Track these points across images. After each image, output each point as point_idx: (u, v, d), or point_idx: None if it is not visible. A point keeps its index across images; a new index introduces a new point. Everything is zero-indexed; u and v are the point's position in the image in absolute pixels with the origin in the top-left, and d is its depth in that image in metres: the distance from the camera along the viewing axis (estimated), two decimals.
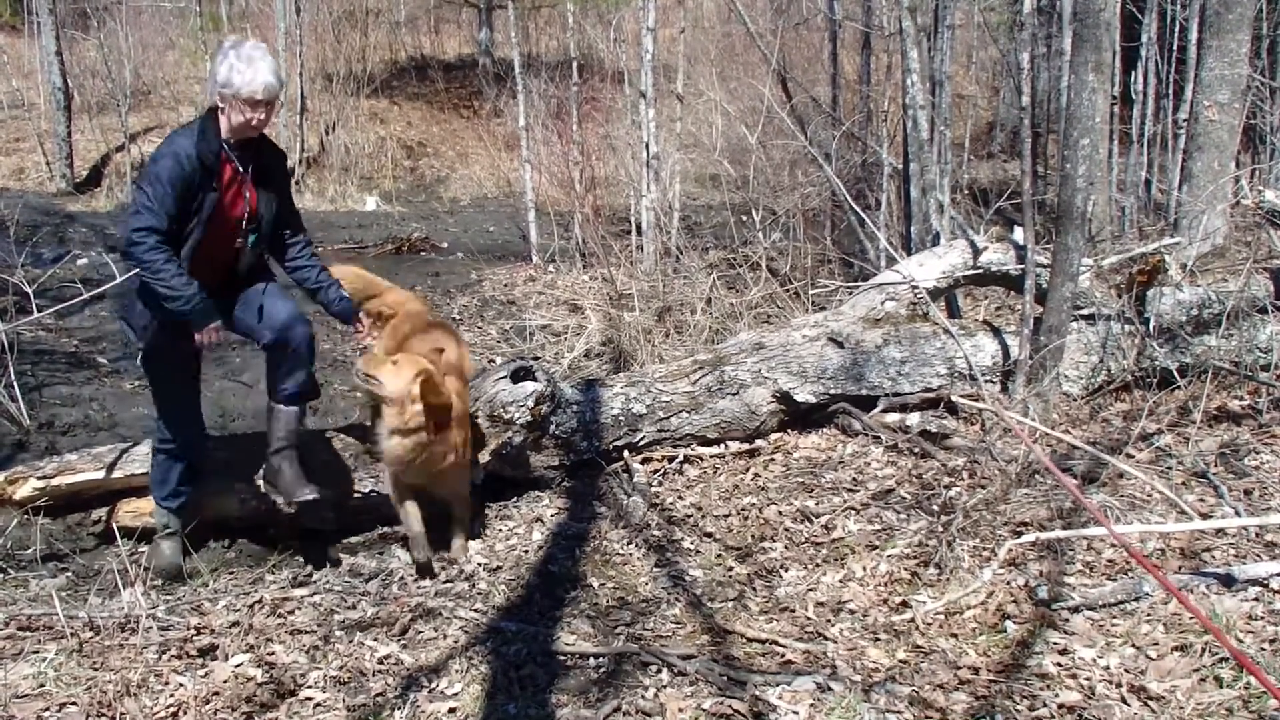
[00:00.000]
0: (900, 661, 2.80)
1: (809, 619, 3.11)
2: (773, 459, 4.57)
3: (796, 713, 2.54)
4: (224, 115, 3.34)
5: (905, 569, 3.33)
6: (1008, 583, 3.12)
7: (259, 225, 3.57)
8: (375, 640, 3.07)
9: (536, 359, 6.32)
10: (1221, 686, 2.49)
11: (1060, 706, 2.49)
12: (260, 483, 3.82)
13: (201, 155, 3.29)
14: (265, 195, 3.55)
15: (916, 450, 4.32)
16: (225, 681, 2.78)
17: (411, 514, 3.68)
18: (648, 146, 8.73)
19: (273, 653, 2.96)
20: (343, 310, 3.81)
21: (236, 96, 3.27)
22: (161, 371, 3.61)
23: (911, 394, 4.70)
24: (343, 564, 3.83)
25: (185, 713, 2.63)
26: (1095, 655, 2.69)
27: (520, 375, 4.27)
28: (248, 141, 3.43)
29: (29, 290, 5.30)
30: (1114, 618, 2.88)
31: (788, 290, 6.79)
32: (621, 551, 3.78)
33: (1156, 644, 2.71)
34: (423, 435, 3.51)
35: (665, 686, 2.71)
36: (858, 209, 6.96)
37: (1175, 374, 4.49)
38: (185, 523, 3.75)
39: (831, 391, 4.70)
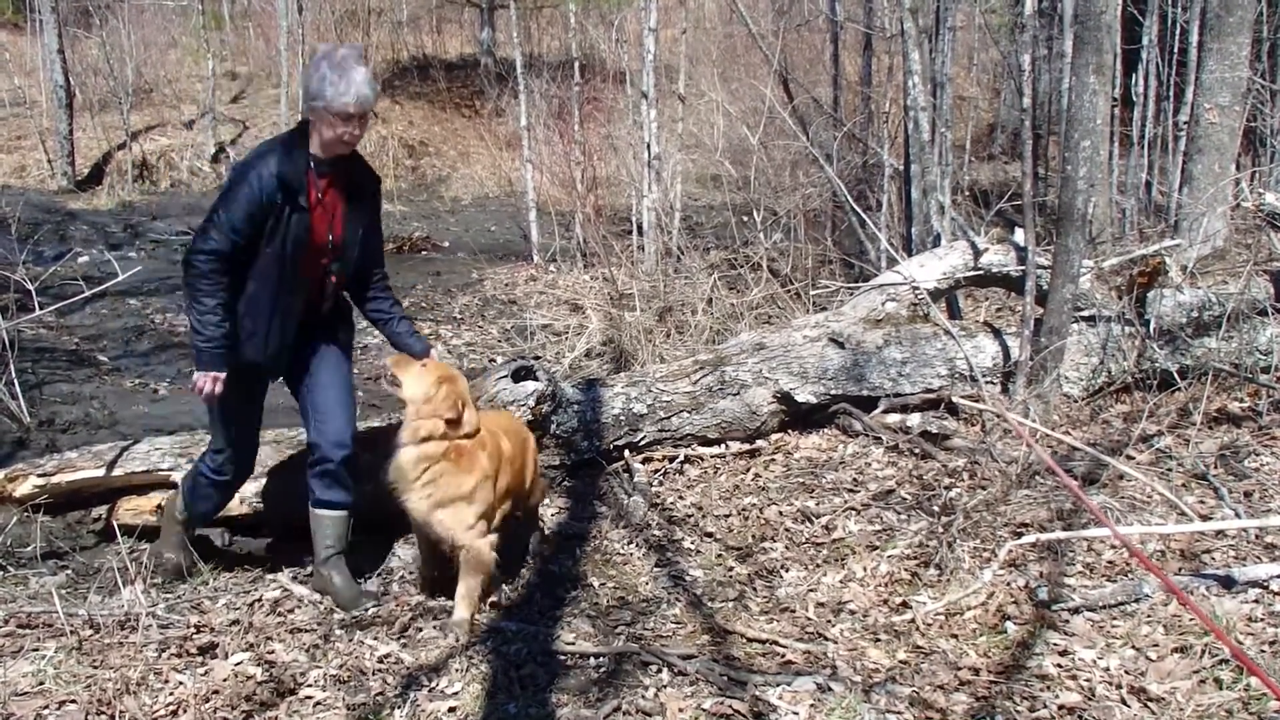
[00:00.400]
0: (900, 662, 2.80)
1: (809, 619, 3.11)
2: (773, 459, 4.57)
3: (797, 713, 2.54)
4: (314, 130, 3.11)
5: (906, 569, 3.33)
6: (1008, 584, 3.12)
7: (344, 253, 3.27)
8: (375, 639, 3.06)
9: (537, 358, 6.31)
10: (1221, 688, 2.49)
11: (1060, 708, 2.49)
12: (309, 588, 3.49)
13: (282, 174, 3.04)
14: (353, 221, 3.25)
15: (917, 451, 4.32)
16: (225, 680, 2.77)
17: (422, 567, 3.40)
18: (649, 147, 8.73)
19: (272, 651, 2.96)
20: (410, 346, 3.49)
21: (328, 109, 3.01)
22: (227, 407, 3.30)
23: (912, 395, 4.70)
24: None
25: (185, 711, 2.63)
26: (1095, 656, 2.70)
27: (521, 375, 4.27)
28: (339, 160, 3.16)
29: (30, 288, 5.30)
30: (1114, 619, 2.88)
31: (789, 291, 6.79)
32: (622, 551, 3.78)
33: (1156, 645, 2.71)
34: (431, 449, 3.09)
35: (665, 686, 2.71)
36: (859, 210, 6.96)
37: (1175, 376, 4.49)
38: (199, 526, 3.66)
39: (832, 392, 4.70)
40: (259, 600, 3.33)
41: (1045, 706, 2.50)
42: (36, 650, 2.91)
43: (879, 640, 2.94)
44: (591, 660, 2.88)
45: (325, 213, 3.18)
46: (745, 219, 8.00)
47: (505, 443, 3.33)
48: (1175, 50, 9.10)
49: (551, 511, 4.18)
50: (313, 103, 3.04)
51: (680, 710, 2.57)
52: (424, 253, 11.04)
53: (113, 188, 13.43)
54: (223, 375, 3.16)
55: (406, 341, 3.49)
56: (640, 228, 8.87)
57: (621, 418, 4.52)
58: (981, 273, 5.18)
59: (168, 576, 3.58)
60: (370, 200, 3.34)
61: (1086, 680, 2.60)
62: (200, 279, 3.06)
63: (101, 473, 3.91)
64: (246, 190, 3.03)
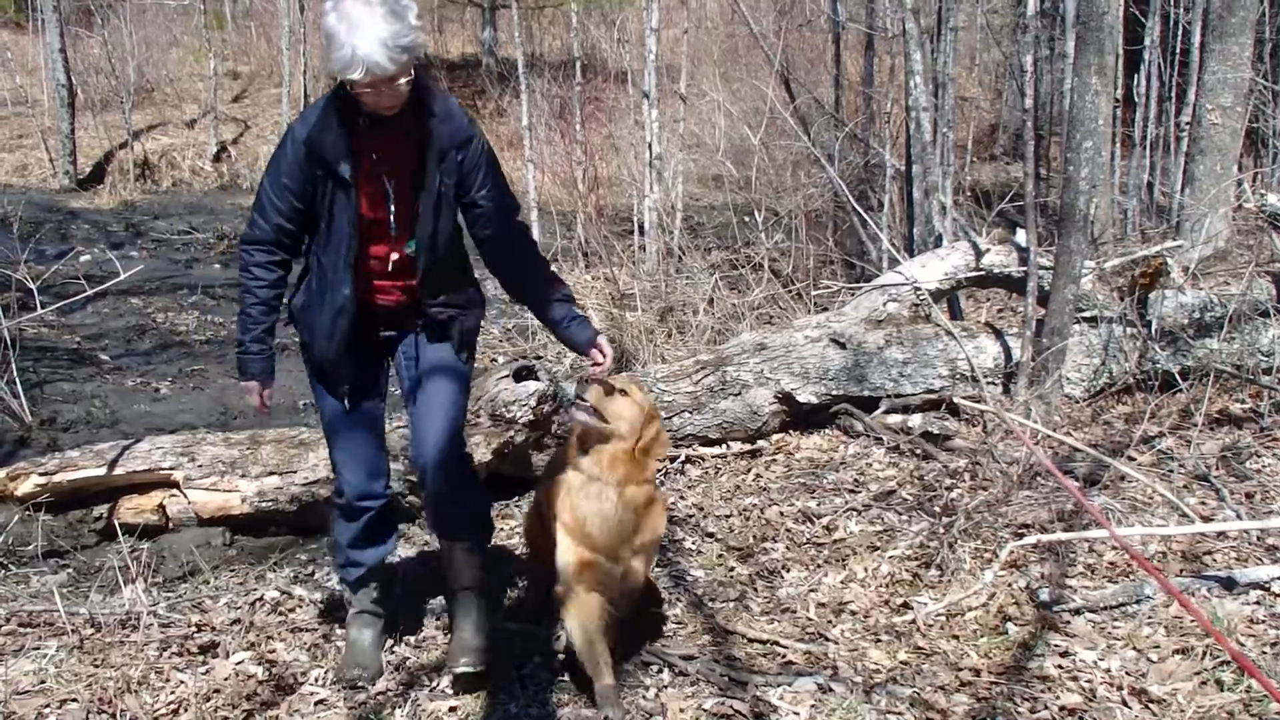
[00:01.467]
0: (901, 663, 2.80)
1: (810, 620, 3.11)
2: (774, 459, 4.57)
3: (797, 713, 2.54)
4: None
5: (906, 570, 3.33)
6: (1009, 585, 3.12)
7: (415, 230, 2.66)
8: None
9: (539, 358, 6.32)
10: (1222, 690, 2.49)
11: (1061, 709, 2.49)
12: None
13: (314, 141, 2.52)
14: (426, 191, 2.62)
15: (918, 452, 4.31)
16: (226, 679, 2.78)
17: (597, 642, 2.63)
18: (650, 147, 8.73)
19: (274, 650, 2.97)
20: (573, 339, 2.85)
21: (336, 75, 2.42)
22: (324, 401, 2.81)
23: (913, 395, 4.70)
24: None
25: (186, 710, 2.63)
26: (1096, 658, 2.69)
27: (523, 375, 4.28)
28: (399, 119, 2.53)
29: (32, 286, 5.30)
30: (1115, 620, 2.88)
31: (790, 291, 6.78)
32: None
33: (1158, 647, 2.71)
34: (647, 491, 2.66)
35: (666, 686, 2.71)
36: (860, 210, 6.96)
37: (1177, 377, 4.49)
38: (383, 593, 2.97)
39: (833, 392, 4.70)
40: (260, 599, 3.33)
41: (1046, 708, 2.50)
42: (38, 649, 2.92)
43: (880, 641, 2.94)
44: None
45: (378, 183, 2.60)
46: (747, 219, 7.99)
47: None
48: (1177, 51, 9.09)
49: None
50: (327, 65, 2.44)
51: (681, 710, 2.57)
52: None
53: (114, 187, 13.45)
54: (255, 385, 2.75)
55: (566, 333, 2.85)
56: (642, 228, 8.86)
57: None
58: (983, 273, 5.17)
59: (356, 679, 2.80)
60: (462, 160, 2.63)
61: (1088, 681, 2.60)
62: (242, 272, 2.68)
63: (103, 471, 3.91)
64: (281, 157, 2.59)
